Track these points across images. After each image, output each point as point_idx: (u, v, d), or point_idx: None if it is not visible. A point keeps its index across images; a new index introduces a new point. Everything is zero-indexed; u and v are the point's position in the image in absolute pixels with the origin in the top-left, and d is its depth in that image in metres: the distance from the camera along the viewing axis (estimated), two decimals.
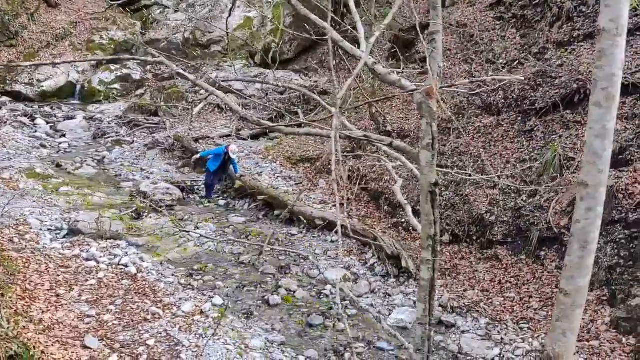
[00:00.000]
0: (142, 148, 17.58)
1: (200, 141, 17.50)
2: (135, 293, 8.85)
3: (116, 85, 23.97)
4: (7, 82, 23.23)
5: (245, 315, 9.05)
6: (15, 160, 15.05)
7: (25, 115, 19.79)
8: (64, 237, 10.85)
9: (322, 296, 9.99)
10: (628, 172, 9.91)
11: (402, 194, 5.96)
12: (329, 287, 10.23)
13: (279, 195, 13.49)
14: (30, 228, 10.80)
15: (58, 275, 8.93)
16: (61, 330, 7.33)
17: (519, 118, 12.60)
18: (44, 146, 17.19)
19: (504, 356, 8.27)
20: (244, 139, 18.36)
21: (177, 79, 23.15)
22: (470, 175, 10.17)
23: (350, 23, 21.82)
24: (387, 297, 10.02)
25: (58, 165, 15.48)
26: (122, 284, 9.11)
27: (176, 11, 27.97)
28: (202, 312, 8.60)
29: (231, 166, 14.40)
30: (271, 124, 4.93)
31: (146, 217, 12.45)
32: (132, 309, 8.34)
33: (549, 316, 8.97)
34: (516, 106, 12.85)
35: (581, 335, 8.40)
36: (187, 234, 11.20)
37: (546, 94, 12.34)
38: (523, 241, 10.59)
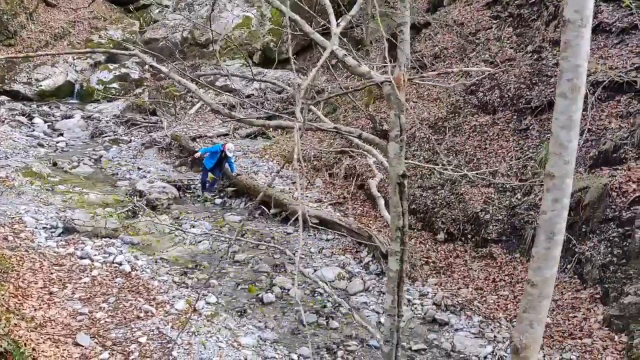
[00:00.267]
0: (140, 147, 17.58)
1: (198, 140, 17.51)
2: (128, 291, 8.86)
3: (114, 85, 23.96)
4: (6, 81, 23.25)
5: (239, 313, 9.07)
6: (12, 159, 15.07)
7: (23, 115, 19.81)
8: (59, 235, 10.86)
9: (316, 294, 10.01)
10: (622, 170, 9.91)
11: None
12: (322, 284, 10.23)
13: (274, 193, 13.48)
14: (25, 226, 10.81)
15: (52, 273, 8.94)
16: (53, 328, 7.35)
17: (515, 117, 12.60)
18: (41, 145, 17.20)
19: (496, 354, 8.28)
20: (242, 138, 18.38)
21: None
22: (446, 170, 10.18)
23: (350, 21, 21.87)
24: (381, 295, 10.01)
25: (55, 164, 15.50)
26: (115, 282, 9.12)
27: (175, 10, 28.01)
28: (195, 310, 8.61)
29: (227, 165, 14.43)
30: (241, 117, 4.91)
31: (142, 215, 12.45)
32: (125, 306, 8.36)
33: None
34: (512, 105, 12.85)
35: (574, 333, 8.43)
36: (179, 232, 11.19)
37: (541, 93, 12.34)
38: (517, 239, 10.60)
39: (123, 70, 24.34)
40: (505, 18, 15.23)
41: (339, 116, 17.30)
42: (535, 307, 2.56)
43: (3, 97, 22.03)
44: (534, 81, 12.79)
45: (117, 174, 15.59)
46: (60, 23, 26.02)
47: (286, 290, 9.95)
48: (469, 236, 11.24)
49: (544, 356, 8.12)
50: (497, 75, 13.86)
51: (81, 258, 9.90)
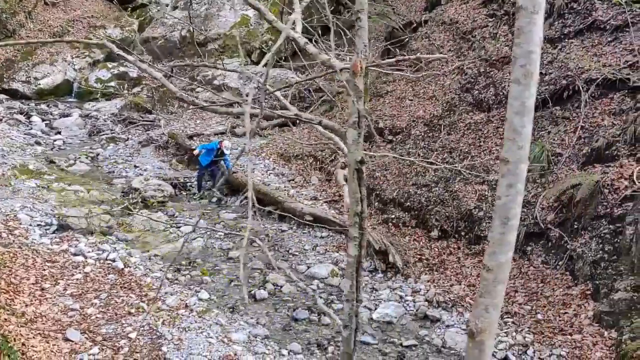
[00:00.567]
0: (137, 145, 17.63)
1: (195, 138, 17.55)
2: (120, 287, 8.89)
3: (113, 83, 24.00)
4: (4, 80, 23.30)
5: (231, 310, 9.10)
6: (8, 157, 15.10)
7: (21, 113, 19.86)
8: (53, 232, 10.88)
9: (308, 291, 10.03)
10: (614, 167, 9.92)
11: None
12: (316, 282, 10.29)
13: (269, 191, 13.52)
14: (20, 223, 10.85)
15: (44, 270, 8.97)
16: (43, 323, 7.38)
17: None
18: (38, 143, 17.25)
19: None
20: (239, 137, 18.41)
21: (172, 76, 23.20)
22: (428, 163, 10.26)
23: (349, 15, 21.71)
24: (374, 291, 10.05)
25: (51, 162, 15.54)
26: (108, 279, 9.16)
27: (174, 8, 28.06)
28: (186, 306, 8.64)
29: (223, 162, 14.47)
30: (205, 104, 4.92)
31: (137, 213, 12.47)
32: (117, 302, 8.39)
33: (534, 310, 9.00)
34: (506, 102, 12.80)
35: (564, 329, 8.45)
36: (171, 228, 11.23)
37: (536, 91, 12.32)
38: None
39: (122, 68, 24.38)
40: (501, 16, 15.22)
41: (335, 114, 17.33)
42: (490, 292, 2.59)
43: (1, 96, 22.09)
44: None
45: (114, 172, 15.64)
46: (59, 22, 26.06)
47: (279, 287, 9.98)
48: (463, 233, 11.26)
49: (534, 352, 8.15)
50: (492, 73, 13.88)
51: (75, 255, 9.93)
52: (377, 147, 14.25)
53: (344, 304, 3.75)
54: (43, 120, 19.71)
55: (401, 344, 8.56)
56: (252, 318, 8.89)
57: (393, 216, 12.42)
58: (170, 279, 9.70)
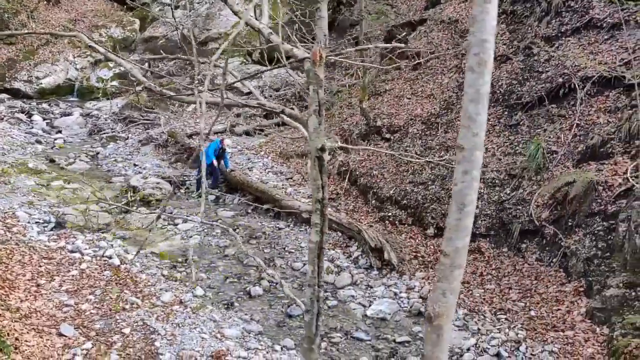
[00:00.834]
0: (137, 144, 17.72)
1: (194, 137, 17.62)
2: (116, 284, 8.96)
3: (114, 82, 24.10)
4: (7, 79, 23.43)
5: (226, 306, 9.15)
6: (9, 156, 15.21)
7: (23, 112, 19.99)
8: (51, 229, 10.97)
9: (303, 288, 10.07)
10: (608, 164, 9.94)
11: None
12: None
13: (267, 189, 13.58)
14: (18, 221, 10.93)
15: (40, 266, 9.05)
16: (38, 319, 7.45)
17: (506, 112, 12.63)
18: (39, 142, 17.37)
19: (479, 346, 8.33)
20: (238, 135, 18.49)
21: (172, 75, 23.34)
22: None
23: (351, 15, 21.71)
24: (369, 288, 10.09)
25: (51, 161, 15.64)
26: (104, 275, 9.23)
27: (176, 8, 28.14)
28: (181, 302, 8.70)
29: (222, 161, 14.55)
30: (172, 94, 4.96)
31: (135, 210, 12.54)
32: (112, 298, 8.46)
33: (527, 307, 9.03)
34: (503, 100, 12.88)
35: (556, 325, 8.47)
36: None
37: (532, 89, 12.37)
38: (505, 234, 10.63)
39: (123, 68, 24.43)
40: (499, 15, 15.21)
41: (335, 112, 17.38)
42: (447, 277, 2.62)
43: (3, 95, 22.22)
44: (525, 77, 12.82)
45: (113, 170, 15.71)
46: (61, 21, 26.19)
47: (274, 284, 10.04)
48: None
49: (526, 348, 8.17)
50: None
51: (71, 252, 10.01)
52: (374, 145, 14.30)
53: (306, 288, 3.82)
54: (44, 119, 19.84)
55: (394, 340, 8.60)
56: (246, 314, 8.94)
57: (390, 214, 12.45)
58: (166, 276, 9.76)
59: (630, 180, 9.33)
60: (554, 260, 9.62)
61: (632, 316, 7.87)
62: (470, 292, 9.70)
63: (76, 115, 20.42)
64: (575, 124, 11.00)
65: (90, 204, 11.78)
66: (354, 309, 9.45)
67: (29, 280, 8.49)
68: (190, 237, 11.75)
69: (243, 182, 14.11)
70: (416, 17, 17.83)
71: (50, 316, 7.62)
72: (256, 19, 4.52)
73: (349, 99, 17.66)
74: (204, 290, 9.51)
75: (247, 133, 18.88)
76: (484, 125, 2.53)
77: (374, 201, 13.11)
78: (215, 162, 14.32)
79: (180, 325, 7.98)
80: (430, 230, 11.62)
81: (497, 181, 11.41)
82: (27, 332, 7.02)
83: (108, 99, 22.53)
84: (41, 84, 23.44)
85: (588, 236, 9.36)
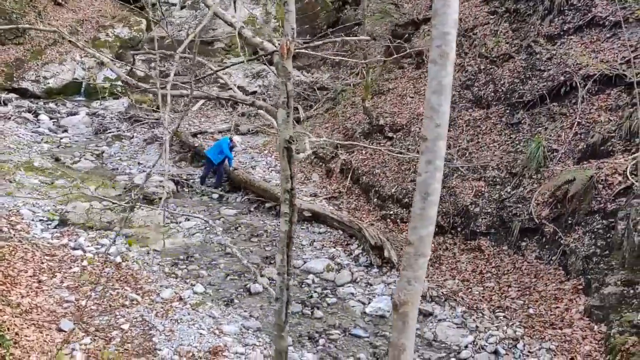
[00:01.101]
0: (141, 143, 17.84)
1: (198, 136, 17.73)
2: (116, 280, 9.05)
3: (121, 82, 24.26)
4: (14, 79, 23.62)
5: (225, 303, 9.22)
6: (15, 155, 15.36)
7: (29, 111, 20.14)
8: (54, 227, 11.08)
9: (303, 285, 10.14)
10: (609, 162, 9.92)
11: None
12: (311, 276, 10.38)
13: (269, 188, 13.64)
14: (22, 218, 11.05)
15: (43, 263, 9.15)
16: (38, 314, 7.55)
17: (507, 111, 12.63)
18: (45, 141, 17.50)
19: (477, 343, 8.35)
20: (243, 134, 18.57)
21: (178, 75, 23.46)
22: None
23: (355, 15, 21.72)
24: (369, 286, 10.13)
25: (57, 159, 15.76)
26: (105, 272, 9.33)
27: (182, 8, 28.29)
28: (180, 299, 8.78)
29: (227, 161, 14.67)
30: (146, 86, 5.01)
31: (138, 209, 12.64)
32: (112, 295, 8.55)
33: (526, 305, 9.04)
34: (505, 99, 12.88)
35: (554, 323, 8.48)
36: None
37: (534, 87, 12.36)
38: (505, 232, 10.65)
39: (129, 67, 24.59)
40: (502, 13, 15.22)
41: (338, 111, 17.42)
42: (412, 265, 2.67)
43: (11, 95, 22.38)
44: (527, 75, 12.81)
45: (118, 169, 15.83)
46: (68, 22, 26.37)
47: (274, 282, 10.08)
48: (459, 229, 11.31)
49: (524, 346, 8.19)
50: (492, 69, 13.90)
51: (74, 249, 10.12)
52: (377, 144, 14.33)
53: (276, 277, 3.89)
54: (51, 118, 19.97)
55: None
56: (245, 311, 9.00)
57: (391, 212, 12.49)
58: (167, 273, 9.84)
59: (630, 178, 9.32)
60: (554, 258, 9.63)
61: (629, 314, 7.87)
62: (470, 290, 9.72)
63: (82, 115, 20.56)
64: (576, 122, 10.99)
65: (93, 202, 11.90)
66: (353, 307, 9.49)
67: (30, 276, 8.59)
68: (193, 234, 11.83)
69: (246, 180, 14.19)
70: (420, 16, 17.82)
71: (51, 312, 7.72)
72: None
73: (352, 98, 17.69)
74: (204, 287, 9.58)
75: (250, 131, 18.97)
76: (446, 116, 2.58)
77: (375, 200, 13.15)
78: (231, 155, 14.52)
79: (179, 322, 8.06)
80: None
81: (498, 179, 11.42)
82: (27, 327, 7.11)
83: (115, 98, 22.74)
84: (48, 83, 23.58)
85: (587, 234, 9.36)
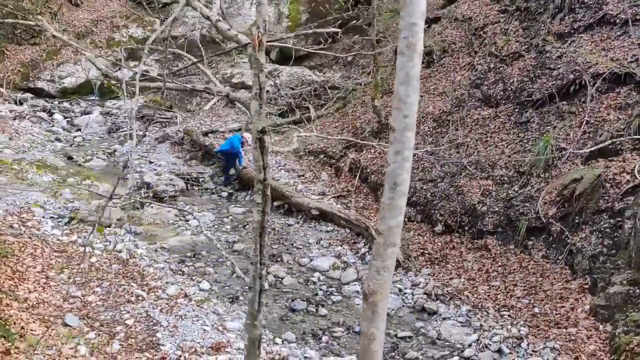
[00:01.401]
0: (153, 142, 17.99)
1: (209, 135, 17.83)
2: (123, 277, 9.15)
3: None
4: (30, 79, 23.94)
5: (231, 300, 9.28)
6: (28, 153, 15.57)
7: (44, 111, 20.42)
8: (65, 224, 11.22)
9: (309, 283, 10.18)
10: (617, 161, 9.85)
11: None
12: (317, 274, 10.41)
13: (278, 186, 13.69)
14: (33, 215, 11.20)
15: (51, 259, 9.28)
16: (45, 309, 7.66)
17: (516, 110, 12.57)
18: (58, 140, 17.73)
19: (481, 342, 8.32)
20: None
21: (193, 74, 23.68)
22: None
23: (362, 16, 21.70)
24: None
25: (69, 158, 15.95)
26: (112, 268, 9.43)
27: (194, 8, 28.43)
28: (186, 295, 8.86)
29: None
30: (119, 77, 5.08)
31: (147, 206, 12.78)
32: (118, 291, 8.65)
33: (531, 304, 9.00)
34: (514, 98, 12.82)
35: (559, 322, 8.43)
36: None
37: (543, 86, 12.29)
38: (512, 231, 10.60)
39: (143, 67, 24.79)
40: (513, 12, 15.14)
41: (348, 111, 17.44)
42: (381, 255, 2.69)
43: (27, 94, 22.70)
44: (536, 74, 12.74)
45: (129, 167, 15.96)
46: (83, 22, 26.68)
47: (280, 279, 10.15)
48: (466, 228, 11.28)
49: (527, 345, 8.15)
50: (501, 68, 13.84)
51: (83, 246, 10.23)
52: (386, 142, 14.31)
53: (249, 266, 3.94)
54: (65, 117, 20.24)
55: (396, 335, 8.64)
56: None
57: None
58: (174, 270, 9.93)
59: (638, 177, 9.24)
60: (560, 257, 9.57)
61: (635, 313, 7.81)
62: (475, 288, 9.69)
63: (96, 114, 20.78)
64: (585, 121, 10.91)
65: (103, 199, 12.03)
66: (357, 305, 9.50)
67: (39, 272, 8.72)
68: (201, 232, 11.91)
69: (254, 179, 14.24)
70: (430, 15, 17.77)
71: (57, 307, 7.83)
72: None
73: (362, 97, 17.70)
74: (210, 284, 9.65)
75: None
76: (414, 106, 2.60)
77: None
78: (241, 153, 14.63)
79: (183, 318, 8.13)
80: (439, 227, 11.62)
81: (505, 178, 11.37)
82: (33, 322, 7.23)
83: (128, 97, 22.94)
84: (63, 83, 23.86)
85: (594, 233, 9.29)
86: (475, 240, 10.94)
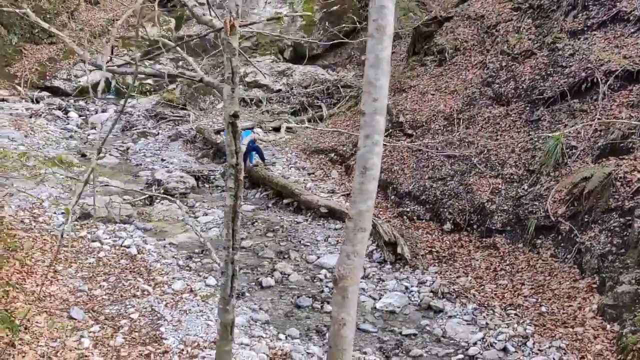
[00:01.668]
0: (166, 140, 18.13)
1: (221, 133, 17.91)
2: (130, 272, 9.22)
3: (149, 81, 24.68)
4: (47, 77, 24.23)
5: (236, 296, 9.29)
6: (43, 150, 15.75)
7: (60, 109, 20.66)
8: (76, 220, 11.32)
9: (315, 280, 10.18)
10: (628, 159, 9.71)
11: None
12: (323, 271, 10.40)
13: (288, 184, 13.72)
14: (45, 211, 11.33)
15: (60, 254, 9.36)
16: (51, 302, 7.74)
17: (527, 108, 12.45)
18: (73, 137, 17.92)
19: (486, 340, 8.25)
20: (266, 131, 18.70)
21: (205, 73, 23.81)
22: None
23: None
24: (381, 282, 10.10)
25: (83, 155, 16.13)
26: (120, 263, 9.50)
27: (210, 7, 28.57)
28: (191, 291, 8.89)
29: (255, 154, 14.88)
30: (90, 60, 5.04)
31: (157, 203, 12.88)
32: (124, 285, 8.71)
33: (538, 303, 8.91)
34: (525, 96, 12.70)
35: (566, 321, 8.33)
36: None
37: (555, 83, 12.16)
38: (521, 229, 10.50)
39: (158, 66, 24.99)
40: (526, 10, 15.01)
41: (359, 109, 17.38)
42: (351, 239, 2.67)
43: (43, 93, 22.99)
44: (548, 72, 12.61)
45: (141, 164, 16.11)
46: (100, 21, 26.95)
47: (286, 276, 10.16)
48: (475, 226, 11.20)
49: (533, 343, 8.07)
50: (513, 66, 13.72)
51: (92, 241, 10.33)
52: (396, 140, 14.27)
53: (222, 251, 3.94)
54: (80, 115, 20.46)
55: (400, 333, 8.60)
56: (255, 304, 9.08)
57: (408, 209, 12.43)
58: (181, 266, 9.98)
59: None
60: (569, 256, 9.46)
61: None
62: (482, 287, 9.62)
63: (110, 112, 20.97)
64: (596, 119, 10.78)
65: (113, 196, 12.15)
66: (363, 302, 9.47)
67: (47, 266, 8.80)
68: (210, 229, 11.97)
69: (264, 176, 14.30)
70: (443, 14, 17.68)
71: (63, 300, 7.91)
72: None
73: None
74: (217, 280, 9.68)
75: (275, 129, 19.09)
76: (384, 90, 2.57)
77: (393, 197, 13.11)
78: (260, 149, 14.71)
79: (188, 312, 8.16)
80: (447, 226, 11.55)
81: (515, 177, 11.27)
82: (39, 314, 7.30)
83: (145, 95, 23.16)
84: (79, 82, 24.13)
85: (604, 232, 9.17)
86: (484, 239, 10.86)
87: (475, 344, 8.26)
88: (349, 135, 15.90)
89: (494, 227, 10.86)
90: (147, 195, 12.48)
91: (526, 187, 10.97)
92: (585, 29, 12.85)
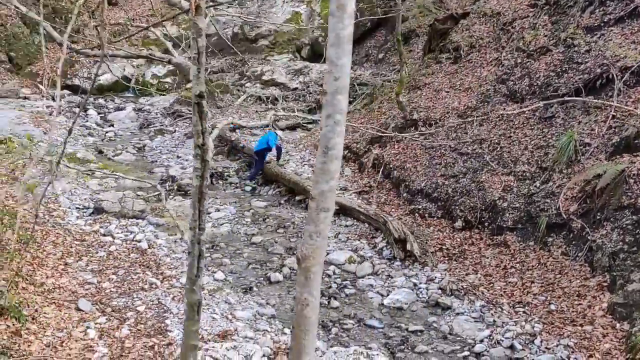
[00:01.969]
0: (182, 137, 18.27)
1: (237, 131, 18.00)
2: (139, 265, 9.33)
3: (168, 79, 24.94)
4: (68, 76, 24.60)
5: (244, 290, 9.36)
6: (61, 146, 15.97)
7: (79, 107, 20.91)
8: (89, 215, 11.50)
9: (324, 276, 10.16)
10: None
11: None
12: (332, 267, 10.41)
13: (300, 181, 13.74)
14: (60, 206, 11.52)
15: (71, 247, 9.52)
16: (60, 294, 7.86)
17: (541, 105, 12.31)
18: (91, 134, 18.17)
19: (493, 338, 8.19)
20: (282, 129, 18.73)
21: (223, 72, 23.98)
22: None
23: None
24: (389, 278, 10.07)
25: (100, 152, 16.35)
26: (129, 257, 9.62)
27: (228, 6, 28.74)
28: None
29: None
30: (81, 49, 5.08)
31: (171, 198, 12.99)
32: (133, 279, 8.82)
33: (547, 301, 8.81)
34: (540, 93, 12.56)
35: (575, 320, 8.24)
36: None
37: (570, 80, 12.01)
38: (532, 227, 10.38)
39: (174, 65, 25.22)
40: (542, 6, 14.84)
41: (374, 107, 17.37)
42: (314, 220, 2.66)
43: (64, 91, 23.32)
44: (563, 69, 12.46)
45: (157, 161, 16.27)
46: (119, 20, 27.27)
47: (295, 271, 10.17)
48: (486, 224, 11.11)
49: (541, 341, 7.98)
50: (528, 63, 13.58)
51: (104, 235, 10.48)
52: (411, 137, 14.20)
53: (188, 232, 3.96)
54: (98, 113, 20.75)
55: (407, 329, 8.57)
56: (262, 299, 9.13)
57: (420, 207, 12.38)
58: None
59: None
60: (580, 254, 9.34)
61: None
62: (491, 284, 9.54)
63: (129, 110, 21.24)
64: (611, 116, 10.62)
65: (127, 191, 12.29)
66: (371, 298, 9.47)
67: (58, 259, 8.96)
68: (221, 225, 12.05)
69: (277, 173, 14.35)
70: (459, 11, 17.56)
71: (72, 292, 8.03)
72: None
73: (389, 94, 17.59)
74: (225, 274, 9.76)
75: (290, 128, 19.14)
76: (345, 68, 2.56)
77: (405, 194, 13.05)
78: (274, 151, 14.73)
79: None
80: (458, 223, 11.47)
81: (527, 174, 11.16)
82: (47, 305, 7.43)
83: (162, 94, 23.36)
84: (99, 80, 24.44)
85: (616, 230, 9.04)
86: (495, 237, 10.76)
87: (482, 341, 8.20)
88: (364, 132, 15.89)
89: (505, 225, 10.76)
90: (158, 191, 12.58)
91: (538, 185, 10.85)
92: (602, 24, 12.67)
